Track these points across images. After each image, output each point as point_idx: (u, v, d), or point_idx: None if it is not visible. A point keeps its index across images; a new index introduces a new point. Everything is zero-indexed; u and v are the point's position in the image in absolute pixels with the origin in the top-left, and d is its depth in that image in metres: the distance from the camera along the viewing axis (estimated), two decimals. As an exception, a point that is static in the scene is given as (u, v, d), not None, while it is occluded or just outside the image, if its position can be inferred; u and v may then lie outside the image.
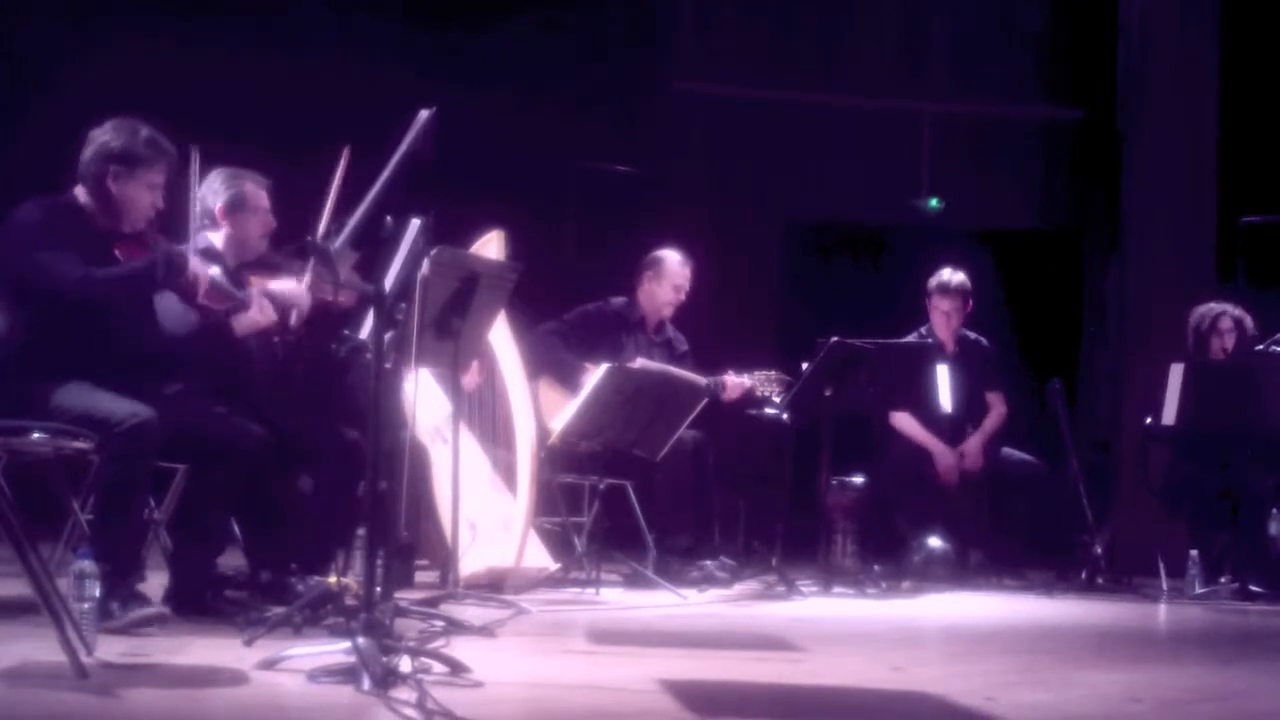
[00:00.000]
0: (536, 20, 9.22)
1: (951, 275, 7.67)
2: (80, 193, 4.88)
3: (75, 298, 4.67)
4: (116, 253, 4.81)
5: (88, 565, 4.13)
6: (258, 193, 5.44)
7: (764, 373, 7.17)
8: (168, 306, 4.98)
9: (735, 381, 7.11)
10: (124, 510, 4.67)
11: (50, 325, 4.71)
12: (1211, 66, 9.22)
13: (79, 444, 4.54)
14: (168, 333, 4.97)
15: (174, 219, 5.03)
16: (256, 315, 5.16)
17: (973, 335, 7.81)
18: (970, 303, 7.69)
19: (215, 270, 5.04)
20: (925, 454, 7.53)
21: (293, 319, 5.27)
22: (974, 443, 7.56)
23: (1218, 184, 9.18)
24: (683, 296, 7.37)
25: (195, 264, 4.84)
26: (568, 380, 6.96)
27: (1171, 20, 9.33)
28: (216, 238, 5.40)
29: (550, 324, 7.18)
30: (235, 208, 5.40)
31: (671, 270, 7.34)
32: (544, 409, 6.87)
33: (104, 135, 4.87)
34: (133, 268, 4.76)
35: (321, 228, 5.00)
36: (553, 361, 7.03)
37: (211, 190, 5.40)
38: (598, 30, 9.38)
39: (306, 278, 5.25)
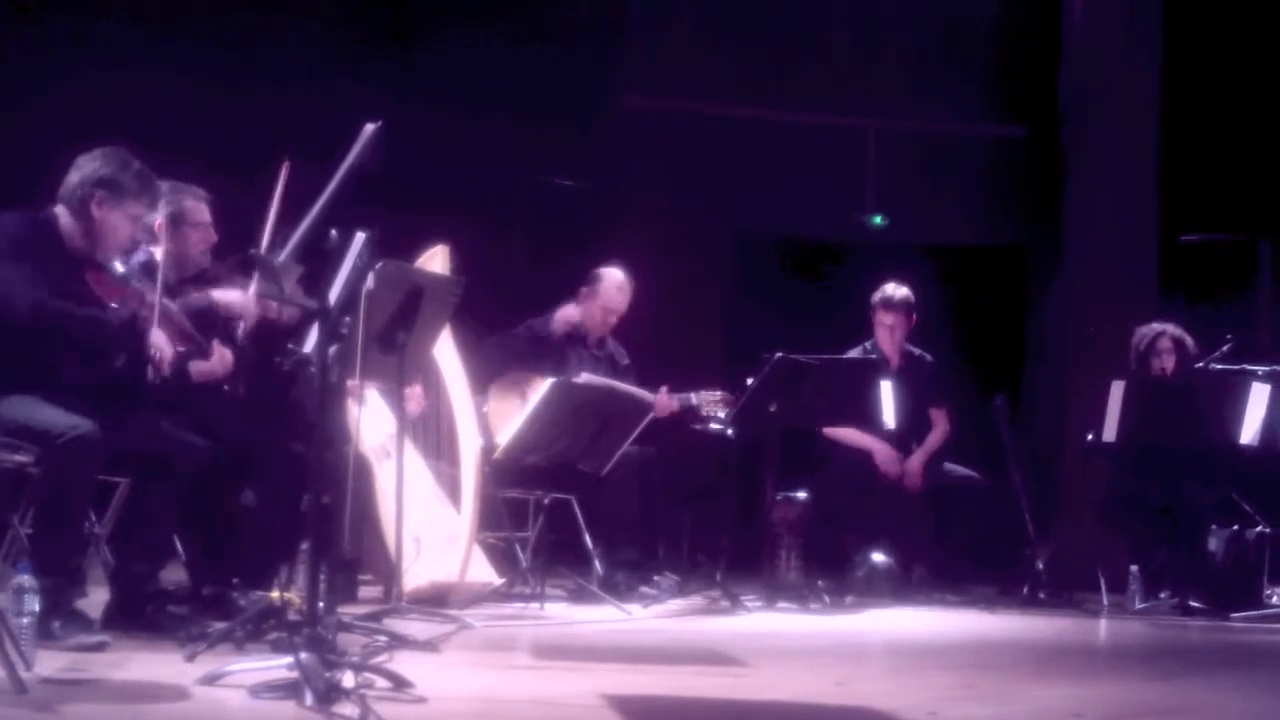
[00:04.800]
0: (485, 35, 9.19)
1: (895, 290, 7.69)
2: (61, 213, 4.85)
3: (23, 319, 4.62)
4: (87, 278, 4.78)
5: (27, 580, 4.10)
6: (198, 207, 5.40)
7: (710, 393, 7.18)
8: None
9: (665, 401, 7.11)
10: (64, 524, 4.63)
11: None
12: (1153, 86, 9.34)
13: (19, 457, 4.50)
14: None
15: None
16: (215, 365, 5.14)
17: (916, 350, 7.84)
18: (914, 317, 7.72)
19: (174, 308, 4.99)
20: (868, 467, 7.53)
21: (239, 332, 5.24)
22: (915, 463, 7.58)
23: (1159, 202, 9.29)
24: (613, 320, 7.33)
25: (158, 340, 4.74)
26: (515, 387, 6.94)
27: (1115, 40, 9.43)
28: (156, 252, 5.35)
29: (495, 336, 7.16)
30: (174, 223, 5.33)
31: (605, 291, 7.30)
32: (494, 423, 6.86)
33: (94, 162, 4.86)
34: (90, 315, 4.71)
35: (265, 241, 4.97)
36: (498, 369, 7.01)
37: None
38: (547, 45, 9.35)
39: (251, 290, 5.21)
